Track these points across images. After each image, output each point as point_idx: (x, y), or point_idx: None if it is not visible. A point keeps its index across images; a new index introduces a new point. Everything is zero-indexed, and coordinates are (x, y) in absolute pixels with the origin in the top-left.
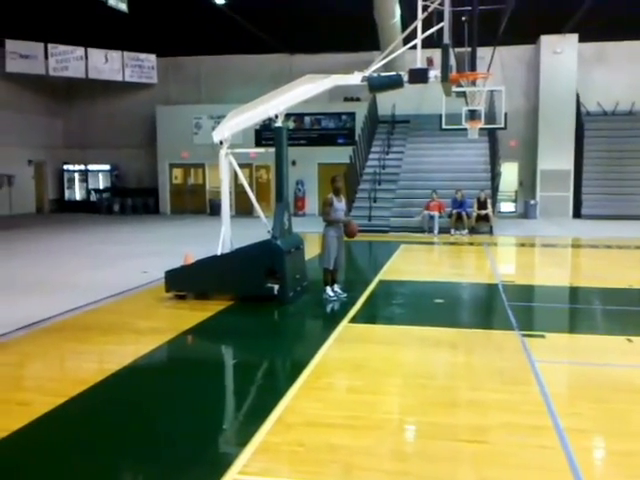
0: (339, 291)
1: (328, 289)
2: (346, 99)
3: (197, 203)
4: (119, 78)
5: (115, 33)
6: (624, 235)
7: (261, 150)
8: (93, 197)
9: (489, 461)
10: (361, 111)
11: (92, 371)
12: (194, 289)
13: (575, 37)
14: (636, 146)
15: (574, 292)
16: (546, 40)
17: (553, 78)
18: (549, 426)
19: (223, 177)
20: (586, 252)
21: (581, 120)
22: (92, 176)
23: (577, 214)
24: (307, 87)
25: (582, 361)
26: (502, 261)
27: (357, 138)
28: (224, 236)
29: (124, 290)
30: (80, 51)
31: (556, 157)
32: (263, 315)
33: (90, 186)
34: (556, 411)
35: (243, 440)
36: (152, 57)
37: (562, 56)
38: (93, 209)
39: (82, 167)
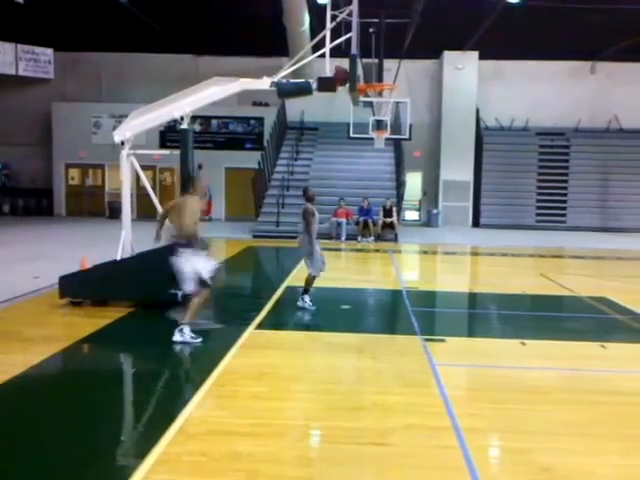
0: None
1: (307, 297)
2: (255, 104)
3: (95, 205)
4: (12, 72)
5: (9, 24)
6: (519, 244)
7: (165, 152)
8: None
9: (391, 463)
10: (270, 116)
11: None
12: (91, 295)
13: (476, 54)
14: (530, 160)
15: (473, 298)
16: (449, 56)
17: (455, 93)
18: (448, 426)
19: (124, 179)
20: (484, 259)
21: (480, 134)
22: None
23: (476, 223)
24: (214, 90)
25: (480, 363)
26: (406, 268)
27: (266, 143)
28: (124, 240)
29: (13, 296)
30: None
31: (457, 168)
32: (165, 322)
33: None
34: (455, 412)
35: (142, 452)
36: (49, 51)
37: (463, 72)
38: None
39: None
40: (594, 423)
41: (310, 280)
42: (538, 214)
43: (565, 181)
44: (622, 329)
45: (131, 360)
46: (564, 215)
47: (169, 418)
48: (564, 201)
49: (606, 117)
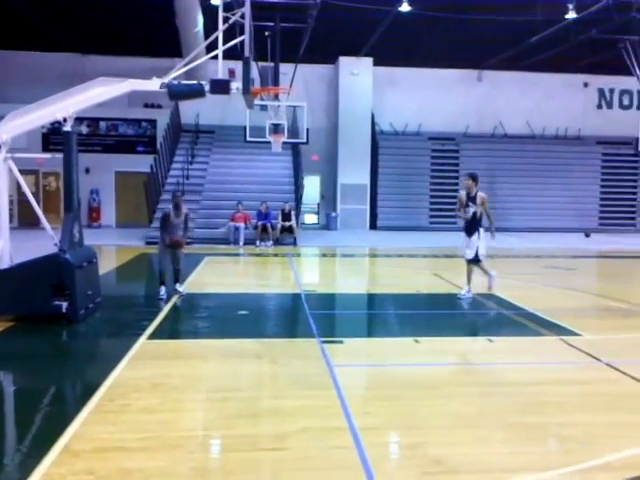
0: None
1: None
2: (146, 105)
3: None
4: None
5: None
6: (413, 245)
7: (47, 156)
8: None
9: (288, 467)
10: (163, 119)
11: None
12: None
13: (370, 60)
14: (422, 164)
15: (370, 299)
16: (344, 61)
17: (351, 98)
18: (344, 427)
19: (0, 184)
20: (381, 261)
21: (376, 138)
22: None
23: (373, 226)
24: (100, 90)
25: (376, 363)
26: (305, 271)
27: (159, 146)
28: (2, 250)
29: None
30: None
31: (354, 172)
32: (49, 336)
33: None
34: (351, 412)
35: (22, 475)
36: None
37: (359, 78)
38: None
39: None
40: (482, 414)
41: None
42: (431, 216)
43: (456, 184)
44: (508, 324)
45: (11, 377)
46: (455, 216)
47: (53, 436)
48: (454, 203)
49: (492, 123)
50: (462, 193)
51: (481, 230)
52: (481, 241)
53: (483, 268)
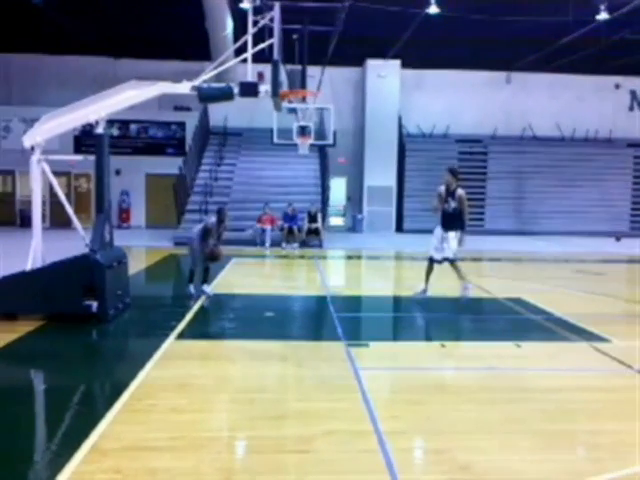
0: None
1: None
2: (176, 108)
3: (6, 214)
4: None
5: None
6: None
7: (79, 157)
8: None
9: (312, 470)
10: (192, 121)
11: None
12: None
13: (398, 63)
14: (449, 166)
15: (397, 302)
16: (371, 64)
17: (378, 100)
18: (370, 431)
19: (34, 185)
20: (407, 264)
21: (403, 140)
22: None
23: (400, 228)
24: (132, 93)
25: (402, 367)
26: (331, 273)
27: (188, 149)
28: (34, 250)
29: None
30: None
31: (381, 174)
32: (79, 335)
33: None
34: (377, 415)
35: (52, 472)
36: None
37: (386, 80)
38: None
39: None
40: (510, 421)
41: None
42: None
43: (483, 186)
44: (536, 329)
45: (42, 376)
46: (482, 219)
47: (82, 435)
48: (482, 205)
49: (520, 125)
50: (442, 188)
51: (459, 230)
52: (455, 240)
53: (459, 271)
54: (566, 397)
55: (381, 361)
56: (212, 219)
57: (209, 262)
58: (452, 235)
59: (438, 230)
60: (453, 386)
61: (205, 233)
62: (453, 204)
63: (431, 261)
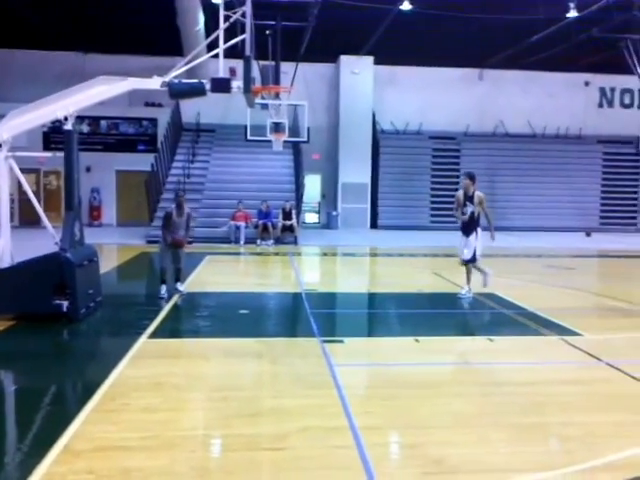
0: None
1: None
2: (147, 104)
3: None
4: None
5: None
6: (414, 244)
7: (48, 154)
8: None
9: (288, 466)
10: (164, 117)
11: None
12: None
13: (371, 59)
14: (423, 163)
15: (371, 298)
16: (345, 60)
17: (351, 96)
18: (345, 426)
19: (1, 183)
20: (381, 260)
21: (377, 137)
22: None
23: (374, 225)
24: (101, 89)
25: (376, 362)
26: (306, 270)
27: (160, 145)
28: (3, 248)
29: None
30: None
31: (355, 171)
32: (50, 335)
33: None
34: (352, 411)
35: (22, 474)
36: None
37: (360, 76)
38: None
39: None
40: (483, 414)
41: None
42: (432, 215)
43: (456, 183)
44: (508, 323)
45: (12, 376)
46: (453, 216)
47: (53, 436)
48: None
49: (493, 122)
50: (460, 193)
51: (479, 230)
52: (478, 241)
53: (478, 267)
54: (538, 390)
55: (356, 357)
56: (171, 206)
57: (173, 249)
58: (472, 238)
59: (460, 236)
60: (427, 381)
61: (166, 220)
62: (470, 208)
63: (465, 263)
